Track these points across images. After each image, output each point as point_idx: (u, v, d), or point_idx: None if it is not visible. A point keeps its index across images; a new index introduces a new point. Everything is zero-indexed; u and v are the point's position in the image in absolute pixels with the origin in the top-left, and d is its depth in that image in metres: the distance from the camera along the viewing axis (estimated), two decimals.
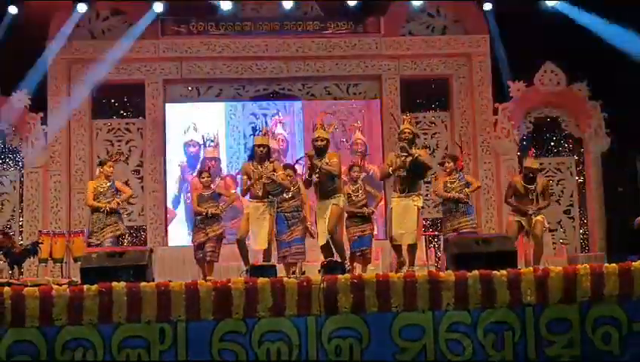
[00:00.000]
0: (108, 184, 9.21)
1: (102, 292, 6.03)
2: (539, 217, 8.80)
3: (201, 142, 12.73)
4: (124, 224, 9.60)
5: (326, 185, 7.88)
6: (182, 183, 12.72)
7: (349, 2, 12.50)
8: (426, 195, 11.15)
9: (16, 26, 11.97)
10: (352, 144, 12.84)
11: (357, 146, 12.81)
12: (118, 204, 9.18)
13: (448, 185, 8.92)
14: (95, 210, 9.10)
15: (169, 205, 12.74)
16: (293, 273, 8.26)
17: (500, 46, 12.73)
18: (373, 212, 9.18)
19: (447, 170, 9.05)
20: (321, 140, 7.97)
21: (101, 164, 9.38)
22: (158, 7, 12.35)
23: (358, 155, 12.12)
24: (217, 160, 12.76)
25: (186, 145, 12.89)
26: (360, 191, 9.08)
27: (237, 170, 12.45)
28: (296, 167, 9.07)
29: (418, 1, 12.65)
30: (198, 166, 12.23)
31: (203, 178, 9.31)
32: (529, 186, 8.86)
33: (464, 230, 8.66)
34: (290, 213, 8.36)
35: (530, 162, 8.98)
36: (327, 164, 7.83)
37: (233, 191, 12.11)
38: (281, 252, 8.36)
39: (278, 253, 8.40)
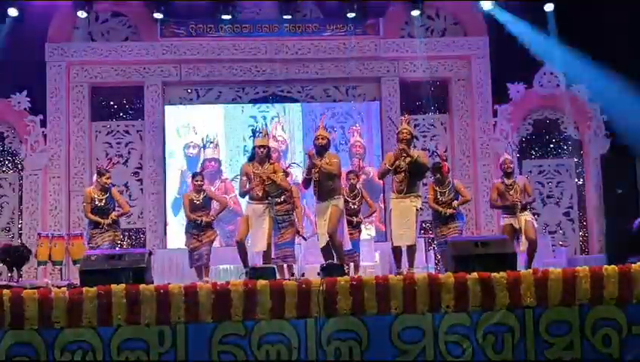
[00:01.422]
0: (105, 196, 8.94)
1: (101, 294, 6.03)
2: (527, 217, 8.90)
3: (201, 144, 12.76)
4: (121, 228, 9.57)
5: (325, 186, 7.87)
6: (182, 186, 12.69)
7: (348, 4, 12.52)
8: (425, 196, 11.13)
9: (16, 28, 11.96)
10: (350, 147, 12.87)
11: (356, 149, 12.84)
12: (114, 219, 8.94)
13: (439, 196, 8.92)
14: (93, 222, 8.93)
15: (169, 210, 12.72)
16: (292, 275, 8.27)
17: (500, 48, 12.72)
18: (361, 220, 9.46)
19: (438, 181, 9.04)
20: (322, 138, 7.99)
21: (99, 174, 9.04)
22: (159, 16, 12.42)
23: (356, 158, 12.13)
24: (217, 161, 12.77)
25: (186, 146, 12.89)
26: (357, 199, 9.29)
27: (235, 176, 12.44)
28: (288, 171, 9.09)
29: (416, 10, 12.65)
30: (198, 167, 12.23)
31: (197, 181, 9.28)
32: (508, 182, 9.04)
33: (451, 236, 8.67)
34: (281, 216, 8.35)
35: (505, 156, 9.25)
36: (327, 164, 7.83)
37: (233, 194, 12.13)
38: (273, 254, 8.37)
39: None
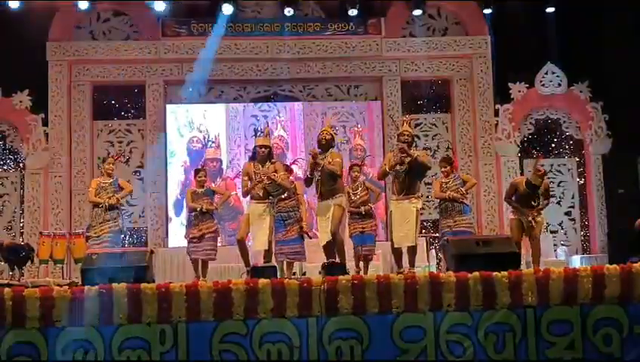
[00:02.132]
0: (110, 180, 9.33)
1: (102, 293, 6.03)
2: (539, 218, 8.85)
3: (203, 142, 12.77)
4: (124, 223, 9.65)
5: (327, 184, 7.87)
6: (184, 185, 12.68)
7: (349, 3, 12.52)
8: (427, 197, 11.16)
9: (16, 26, 11.95)
10: (352, 149, 12.85)
11: (357, 152, 12.82)
12: (118, 200, 9.25)
13: (444, 185, 9.00)
14: (95, 205, 9.19)
15: (171, 208, 12.72)
16: (294, 274, 8.26)
17: (501, 47, 12.73)
18: (371, 208, 9.24)
19: (446, 174, 9.09)
20: (327, 133, 7.99)
21: (103, 160, 9.66)
22: (159, 6, 12.30)
23: (357, 160, 12.13)
24: (219, 161, 12.78)
25: (189, 141, 12.88)
26: (359, 189, 9.21)
27: (237, 172, 12.47)
28: (292, 168, 9.09)
29: (418, 10, 12.64)
30: (201, 162, 12.27)
31: (199, 177, 9.32)
32: (531, 192, 8.90)
33: (459, 229, 8.68)
34: (287, 212, 8.34)
35: (534, 179, 8.89)
36: (329, 163, 7.83)
37: (234, 192, 12.13)
38: (276, 250, 8.34)
39: (275, 252, 8.40)
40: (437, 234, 11.77)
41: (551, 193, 9.70)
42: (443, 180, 9.08)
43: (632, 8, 11.51)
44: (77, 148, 12.54)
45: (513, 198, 9.02)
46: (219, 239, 9.46)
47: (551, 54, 12.69)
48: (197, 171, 9.54)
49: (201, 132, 12.85)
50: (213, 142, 12.77)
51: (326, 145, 7.97)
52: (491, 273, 6.22)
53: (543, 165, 9.43)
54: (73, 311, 5.99)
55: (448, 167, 9.08)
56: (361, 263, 8.98)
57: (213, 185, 10.97)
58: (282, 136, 12.90)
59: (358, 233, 8.90)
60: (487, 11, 12.62)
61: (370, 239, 8.99)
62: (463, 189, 8.95)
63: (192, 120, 12.89)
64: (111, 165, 9.43)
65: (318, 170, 7.84)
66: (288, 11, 12.38)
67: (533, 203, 8.88)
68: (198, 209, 9.09)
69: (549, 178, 12.69)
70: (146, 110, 12.81)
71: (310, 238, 9.24)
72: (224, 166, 12.80)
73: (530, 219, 8.79)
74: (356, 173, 9.36)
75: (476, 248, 6.87)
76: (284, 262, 8.29)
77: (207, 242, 9.06)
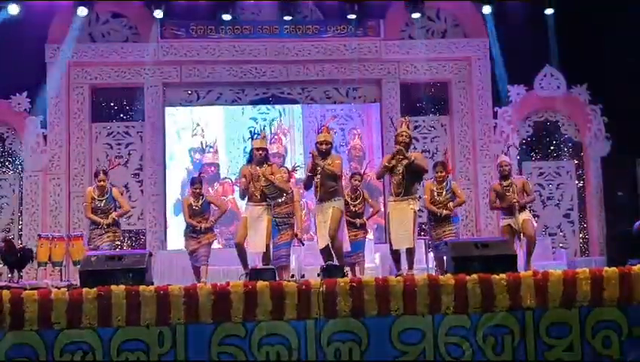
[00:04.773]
0: (104, 197, 8.99)
1: (101, 295, 6.04)
2: (525, 216, 8.85)
3: (201, 147, 12.77)
4: (121, 229, 9.60)
5: (326, 186, 7.83)
6: (185, 188, 12.66)
7: (348, 5, 12.53)
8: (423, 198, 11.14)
9: (16, 28, 11.95)
10: (350, 149, 12.85)
11: (355, 151, 12.82)
12: (114, 219, 8.97)
13: (435, 195, 8.91)
14: (93, 223, 9.01)
15: (169, 211, 12.70)
16: (292, 276, 8.25)
17: (500, 49, 12.73)
18: (365, 223, 9.42)
19: (439, 179, 9.02)
20: (327, 144, 7.94)
21: (95, 175, 9.15)
22: (158, 14, 12.36)
23: (356, 160, 12.14)
24: (216, 165, 12.78)
25: (192, 150, 12.87)
26: (358, 200, 9.29)
27: (232, 177, 12.49)
28: (293, 174, 9.11)
29: (417, 12, 12.63)
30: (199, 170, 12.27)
31: (195, 189, 9.30)
32: (505, 183, 8.96)
33: (447, 238, 8.66)
34: (282, 218, 8.44)
35: (501, 158, 9.16)
36: (329, 164, 7.81)
37: (231, 195, 12.13)
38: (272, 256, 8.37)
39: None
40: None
41: (532, 188, 9.81)
42: (435, 188, 8.99)
43: (632, 10, 11.51)
44: (75, 150, 12.53)
45: (497, 202, 9.07)
46: (217, 242, 9.48)
47: (550, 56, 12.69)
48: (193, 182, 9.47)
49: (204, 137, 12.83)
50: (211, 147, 12.77)
51: (326, 152, 7.94)
52: (490, 275, 6.23)
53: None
54: (72, 313, 6.00)
55: (443, 173, 9.01)
56: (356, 268, 9.07)
57: (210, 190, 10.98)
58: (279, 145, 12.79)
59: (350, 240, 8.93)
60: (487, 10, 12.58)
61: (360, 246, 9.12)
62: (451, 205, 8.87)
63: (196, 124, 12.89)
64: (102, 182, 8.97)
65: (318, 171, 7.82)
66: (287, 18, 12.42)
67: (508, 194, 8.90)
68: (196, 228, 9.13)
69: (547, 180, 12.81)
70: (145, 112, 12.80)
71: (303, 245, 9.30)
72: (222, 170, 12.79)
73: (515, 202, 8.82)
74: (357, 182, 9.40)
75: (474, 250, 6.87)
76: (281, 267, 8.33)
77: (202, 249, 9.13)
